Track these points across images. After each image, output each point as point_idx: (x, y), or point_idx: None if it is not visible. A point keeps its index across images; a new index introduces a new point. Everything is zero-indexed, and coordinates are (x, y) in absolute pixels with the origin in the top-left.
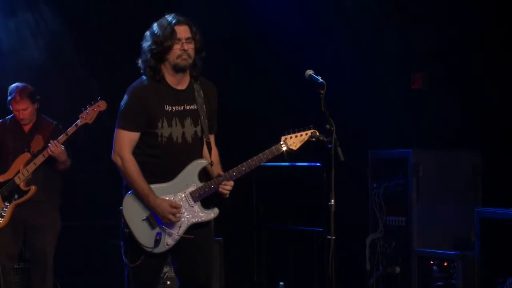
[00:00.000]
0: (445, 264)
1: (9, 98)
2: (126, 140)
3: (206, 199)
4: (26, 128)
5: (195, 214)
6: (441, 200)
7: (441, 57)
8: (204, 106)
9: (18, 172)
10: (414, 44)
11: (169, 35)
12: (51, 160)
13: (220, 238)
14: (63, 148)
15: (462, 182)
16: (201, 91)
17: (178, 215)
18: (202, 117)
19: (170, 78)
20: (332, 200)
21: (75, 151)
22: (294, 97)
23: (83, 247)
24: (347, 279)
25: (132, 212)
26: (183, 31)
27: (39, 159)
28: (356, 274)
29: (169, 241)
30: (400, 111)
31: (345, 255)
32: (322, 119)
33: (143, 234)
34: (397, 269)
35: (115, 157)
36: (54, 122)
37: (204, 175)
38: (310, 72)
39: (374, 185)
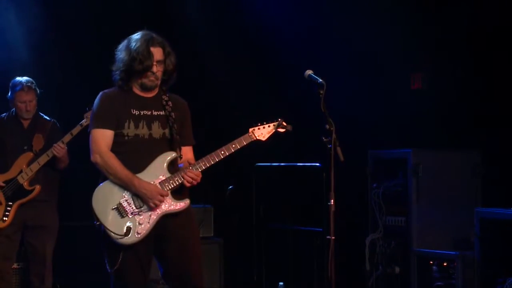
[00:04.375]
0: (445, 264)
1: (16, 89)
2: (100, 138)
3: (178, 190)
4: (25, 124)
5: (166, 203)
6: (440, 200)
7: (441, 57)
8: (173, 113)
9: (21, 171)
10: (413, 44)
11: (148, 56)
12: (51, 160)
13: (220, 238)
14: (66, 148)
15: (462, 182)
16: (170, 102)
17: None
18: (171, 121)
19: (137, 90)
20: (332, 200)
21: (75, 149)
22: (293, 97)
23: (83, 247)
24: (347, 279)
25: (101, 203)
26: (156, 53)
27: (43, 159)
28: (356, 274)
29: (139, 230)
30: (400, 111)
31: (345, 255)
32: (322, 119)
33: (113, 223)
34: (397, 269)
35: (94, 157)
36: (52, 120)
37: (174, 167)
38: (309, 72)
39: (374, 185)
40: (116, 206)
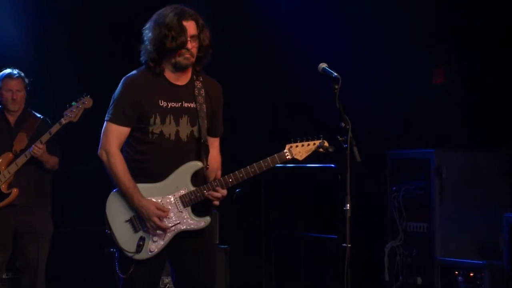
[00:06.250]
0: (471, 274)
1: (1, 77)
2: (114, 135)
3: (199, 205)
4: (12, 121)
5: (184, 220)
6: (466, 204)
7: (465, 50)
8: (205, 105)
9: None
10: (436, 36)
11: (181, 31)
12: (37, 160)
13: (226, 246)
14: (44, 148)
15: (489, 185)
16: (202, 89)
17: (165, 221)
18: (201, 117)
19: (169, 73)
20: (348, 205)
21: (71, 151)
22: (305, 93)
23: (77, 255)
24: None
25: (115, 212)
26: (189, 27)
27: (21, 160)
28: (374, 285)
29: (152, 247)
30: (422, 108)
31: (362, 265)
32: (337, 116)
33: (125, 237)
34: (419, 280)
35: (101, 152)
36: (42, 117)
37: (198, 179)
38: (323, 65)
39: (394, 188)
40: (129, 219)
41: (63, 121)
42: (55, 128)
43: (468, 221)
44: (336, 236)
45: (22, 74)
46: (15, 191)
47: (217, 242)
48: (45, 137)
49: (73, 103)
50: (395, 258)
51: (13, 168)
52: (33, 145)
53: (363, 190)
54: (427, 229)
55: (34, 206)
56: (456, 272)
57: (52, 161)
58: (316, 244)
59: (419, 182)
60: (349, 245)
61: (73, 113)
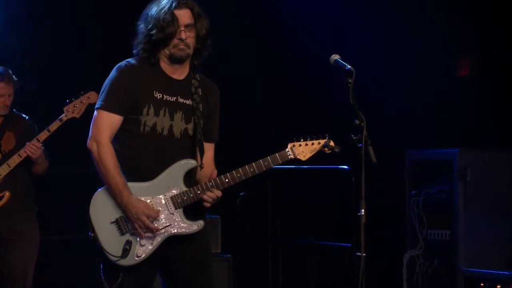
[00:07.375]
0: (498, 286)
1: None
2: (106, 124)
3: (192, 208)
4: None
5: (175, 223)
6: (492, 210)
7: (492, 40)
8: (201, 105)
9: None
10: (460, 26)
11: (170, 21)
12: (27, 162)
13: (229, 255)
14: (43, 148)
15: None
16: (199, 89)
17: (155, 223)
18: (197, 116)
19: (165, 65)
20: (363, 210)
21: (59, 152)
22: (316, 87)
23: (65, 264)
24: None
25: (100, 212)
26: (182, 16)
27: (14, 160)
28: None
29: (140, 252)
30: (444, 103)
31: (378, 276)
32: (350, 113)
33: (110, 240)
34: None
35: (90, 143)
36: (27, 117)
37: (192, 179)
38: (336, 57)
39: (413, 192)
40: (115, 220)
41: (64, 117)
42: (55, 125)
43: (495, 229)
44: (349, 245)
45: (13, 77)
46: (7, 194)
47: (219, 250)
48: (43, 135)
49: (73, 98)
50: (415, 268)
51: (5, 169)
52: (28, 144)
53: (379, 194)
54: (450, 237)
55: (21, 211)
56: (482, 284)
57: (45, 164)
58: (328, 253)
59: (441, 185)
60: (364, 254)
61: (76, 108)
